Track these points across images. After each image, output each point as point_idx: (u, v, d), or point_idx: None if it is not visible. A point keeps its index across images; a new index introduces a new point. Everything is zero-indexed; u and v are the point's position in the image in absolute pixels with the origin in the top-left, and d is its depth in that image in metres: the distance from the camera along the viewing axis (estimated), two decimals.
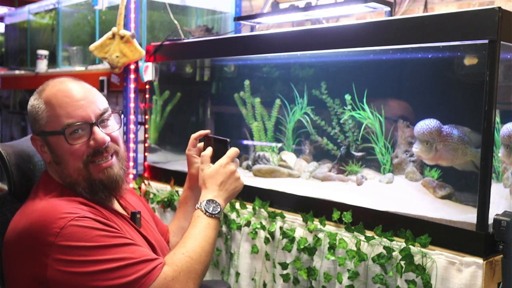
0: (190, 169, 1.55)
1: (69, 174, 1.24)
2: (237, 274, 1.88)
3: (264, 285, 1.80)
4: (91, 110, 1.24)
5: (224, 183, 1.35)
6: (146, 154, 2.53)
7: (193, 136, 1.54)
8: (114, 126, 1.30)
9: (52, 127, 1.22)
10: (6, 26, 4.55)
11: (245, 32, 2.48)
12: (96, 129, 1.23)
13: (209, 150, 1.42)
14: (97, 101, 1.27)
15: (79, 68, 3.19)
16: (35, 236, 1.10)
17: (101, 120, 1.26)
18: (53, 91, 1.25)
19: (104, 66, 2.84)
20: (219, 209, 1.30)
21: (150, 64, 2.47)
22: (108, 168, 1.26)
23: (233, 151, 1.39)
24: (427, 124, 1.66)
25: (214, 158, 1.40)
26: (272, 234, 1.77)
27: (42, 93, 1.26)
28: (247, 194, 1.88)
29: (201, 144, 1.53)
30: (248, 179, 2.01)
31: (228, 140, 1.42)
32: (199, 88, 2.67)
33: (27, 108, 1.29)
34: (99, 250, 1.09)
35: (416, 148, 1.66)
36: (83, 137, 1.23)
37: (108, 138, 1.25)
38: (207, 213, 1.28)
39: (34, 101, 1.27)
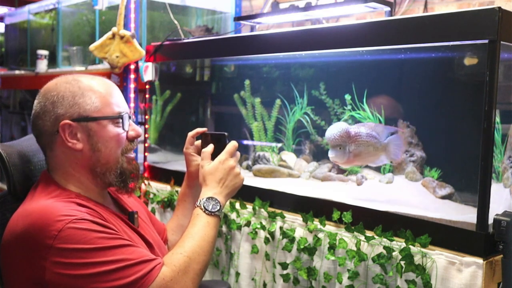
0: (189, 167, 1.55)
1: (106, 160, 1.27)
2: (237, 274, 1.88)
3: (264, 285, 1.80)
4: (127, 105, 1.35)
5: (223, 180, 1.35)
6: (146, 154, 2.53)
7: (190, 134, 1.54)
8: None
9: (103, 113, 1.27)
10: (6, 26, 4.55)
11: (245, 32, 2.48)
12: (131, 121, 1.33)
13: (210, 147, 1.42)
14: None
15: (79, 68, 3.19)
16: (33, 239, 1.10)
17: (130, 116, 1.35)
18: (94, 82, 1.30)
19: (104, 66, 2.84)
20: (218, 207, 1.30)
21: (150, 64, 2.47)
22: (133, 161, 1.35)
23: (231, 145, 1.39)
24: (335, 129, 1.66)
25: (214, 154, 1.40)
26: (272, 234, 1.77)
27: (79, 83, 1.27)
28: (247, 194, 1.88)
29: (198, 142, 1.53)
30: (248, 179, 2.00)
31: (225, 134, 1.41)
32: (199, 88, 2.68)
33: (51, 94, 1.26)
34: (98, 252, 1.09)
35: (331, 155, 1.65)
36: (125, 126, 1.31)
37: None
38: (206, 211, 1.28)
39: (69, 87, 1.26)
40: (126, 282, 1.08)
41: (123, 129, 1.29)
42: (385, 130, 1.67)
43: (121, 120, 1.29)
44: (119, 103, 1.31)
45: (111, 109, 1.28)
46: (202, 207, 1.29)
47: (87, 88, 1.27)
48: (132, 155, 1.35)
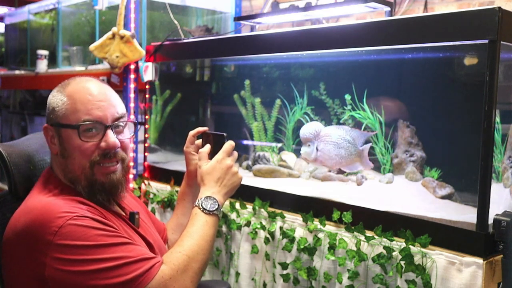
0: (188, 166, 1.55)
1: (73, 169, 1.25)
2: (237, 274, 1.88)
3: (264, 285, 1.80)
4: (110, 112, 1.26)
5: (221, 179, 1.35)
6: (146, 154, 2.53)
7: (191, 133, 1.54)
8: (127, 134, 1.32)
9: (68, 120, 1.24)
10: (6, 26, 4.55)
11: (245, 32, 2.48)
12: (109, 132, 1.25)
13: (207, 147, 1.42)
14: (117, 106, 1.29)
15: (79, 68, 3.19)
16: (33, 235, 1.11)
17: (116, 125, 1.27)
18: (77, 87, 1.26)
19: (104, 66, 2.84)
20: (217, 206, 1.30)
21: (150, 64, 2.47)
22: (112, 174, 1.27)
23: (228, 145, 1.39)
24: (307, 126, 1.74)
25: (212, 154, 1.40)
26: (272, 234, 1.77)
27: (67, 87, 1.27)
28: (247, 194, 1.88)
29: (199, 141, 1.53)
30: (248, 179, 2.01)
31: (224, 134, 1.41)
32: (199, 88, 2.67)
33: (48, 98, 1.30)
34: (97, 249, 1.10)
35: (301, 151, 1.71)
36: (96, 137, 1.24)
37: (119, 144, 1.27)
38: (204, 211, 1.29)
39: (56, 93, 1.28)
40: (125, 279, 1.09)
41: (81, 139, 1.22)
42: (361, 136, 1.69)
43: (93, 130, 1.23)
44: (90, 111, 1.23)
45: (76, 117, 1.23)
46: (201, 206, 1.29)
47: (66, 93, 1.26)
48: (114, 166, 1.27)
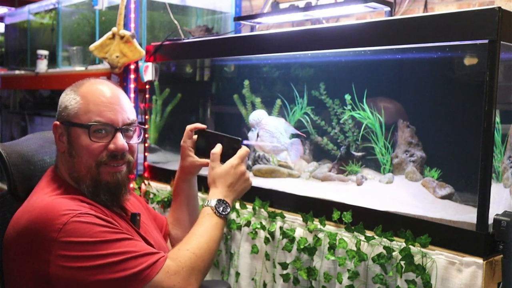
0: (183, 161, 1.53)
1: (79, 168, 1.25)
2: (237, 274, 1.88)
3: (264, 285, 1.80)
4: (121, 116, 1.27)
5: (233, 184, 1.37)
6: (146, 154, 2.53)
7: (189, 127, 1.52)
8: (135, 139, 1.34)
9: (79, 120, 1.25)
10: (6, 26, 4.56)
11: (245, 32, 2.48)
12: (119, 134, 1.26)
13: (218, 148, 1.41)
14: (128, 111, 1.30)
15: (79, 68, 3.19)
16: (37, 233, 1.11)
17: (125, 129, 1.28)
18: (92, 87, 1.28)
19: (104, 66, 2.84)
20: (228, 210, 1.33)
21: (150, 64, 2.47)
22: (117, 173, 1.28)
23: (244, 151, 1.40)
24: (254, 113, 1.96)
25: (223, 156, 1.40)
26: (272, 234, 1.77)
27: (81, 87, 1.29)
28: (247, 194, 1.86)
29: (195, 136, 1.52)
30: None
31: (240, 139, 1.42)
32: (199, 88, 2.67)
33: (60, 96, 1.31)
34: (102, 245, 1.11)
35: (248, 134, 1.92)
36: (105, 138, 1.25)
37: (127, 147, 1.28)
38: (217, 213, 1.30)
39: (69, 91, 1.30)
40: (130, 273, 1.10)
41: (91, 139, 1.23)
42: (289, 130, 1.87)
43: (103, 131, 1.24)
44: (102, 112, 1.24)
45: (87, 118, 1.24)
46: (214, 208, 1.30)
47: (80, 92, 1.27)
48: (120, 166, 1.28)
